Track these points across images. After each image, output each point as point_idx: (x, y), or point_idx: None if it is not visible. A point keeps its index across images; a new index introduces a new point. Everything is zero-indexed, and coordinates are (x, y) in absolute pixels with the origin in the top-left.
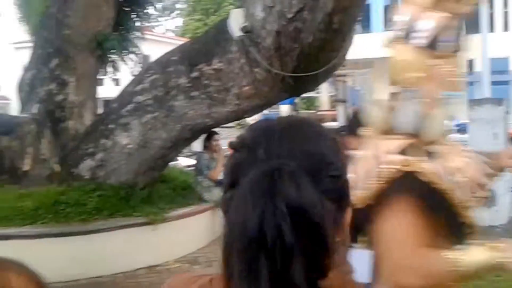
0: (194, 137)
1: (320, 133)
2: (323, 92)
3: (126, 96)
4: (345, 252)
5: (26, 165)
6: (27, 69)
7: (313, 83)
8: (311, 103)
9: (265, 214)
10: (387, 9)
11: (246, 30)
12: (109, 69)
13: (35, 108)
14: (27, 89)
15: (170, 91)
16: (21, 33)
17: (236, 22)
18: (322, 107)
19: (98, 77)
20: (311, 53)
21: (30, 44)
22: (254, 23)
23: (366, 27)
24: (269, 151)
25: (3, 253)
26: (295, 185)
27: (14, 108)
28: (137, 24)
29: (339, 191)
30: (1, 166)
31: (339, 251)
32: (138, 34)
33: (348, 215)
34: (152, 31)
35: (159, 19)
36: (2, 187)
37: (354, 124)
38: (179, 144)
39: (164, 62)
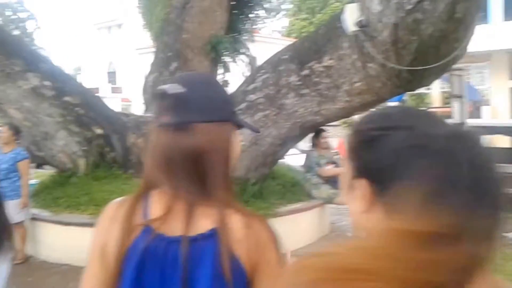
0: (303, 135)
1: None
2: (434, 88)
3: (239, 95)
4: None
5: None
6: (150, 72)
7: (431, 77)
8: (420, 100)
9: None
10: None
11: (361, 25)
12: (221, 70)
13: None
14: (150, 91)
15: (281, 89)
16: (144, 39)
17: (351, 17)
18: (433, 104)
19: None
20: (431, 45)
21: (153, 49)
22: (370, 17)
23: (484, 17)
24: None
25: None
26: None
27: (135, 109)
28: (247, 26)
29: None
30: (129, 161)
31: None
32: (248, 36)
33: None
34: (259, 33)
35: (266, 20)
36: (131, 180)
37: None
38: (288, 141)
39: (275, 62)
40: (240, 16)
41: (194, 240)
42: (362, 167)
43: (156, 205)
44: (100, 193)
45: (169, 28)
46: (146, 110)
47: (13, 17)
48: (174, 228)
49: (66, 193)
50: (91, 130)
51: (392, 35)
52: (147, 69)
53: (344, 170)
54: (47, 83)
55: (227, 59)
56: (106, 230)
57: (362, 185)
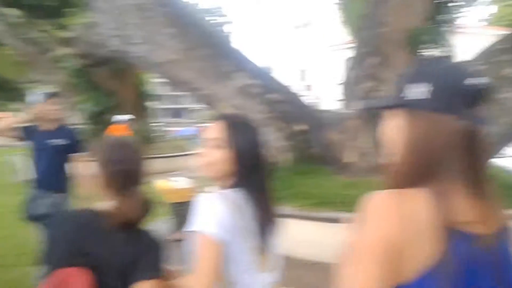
0: None
1: None
2: None
3: None
4: None
5: (348, 157)
6: (350, 68)
7: None
8: None
9: None
10: None
11: None
12: None
13: (357, 105)
14: (350, 87)
15: (498, 82)
16: (336, 36)
17: None
18: None
19: None
20: None
21: (346, 46)
22: None
23: None
24: None
25: (333, 233)
26: None
27: (326, 105)
28: (449, 16)
29: None
30: (328, 157)
31: None
32: (449, 26)
33: None
34: (461, 23)
35: (468, 9)
36: (330, 176)
37: None
38: (505, 140)
39: (490, 53)
40: (441, 6)
41: (497, 238)
42: None
43: (446, 202)
44: (304, 187)
45: (368, 23)
46: (347, 106)
47: (212, 21)
48: (475, 227)
49: (272, 185)
50: (293, 126)
51: None
52: (340, 66)
53: None
54: (253, 81)
55: (428, 52)
56: (397, 230)
57: None
